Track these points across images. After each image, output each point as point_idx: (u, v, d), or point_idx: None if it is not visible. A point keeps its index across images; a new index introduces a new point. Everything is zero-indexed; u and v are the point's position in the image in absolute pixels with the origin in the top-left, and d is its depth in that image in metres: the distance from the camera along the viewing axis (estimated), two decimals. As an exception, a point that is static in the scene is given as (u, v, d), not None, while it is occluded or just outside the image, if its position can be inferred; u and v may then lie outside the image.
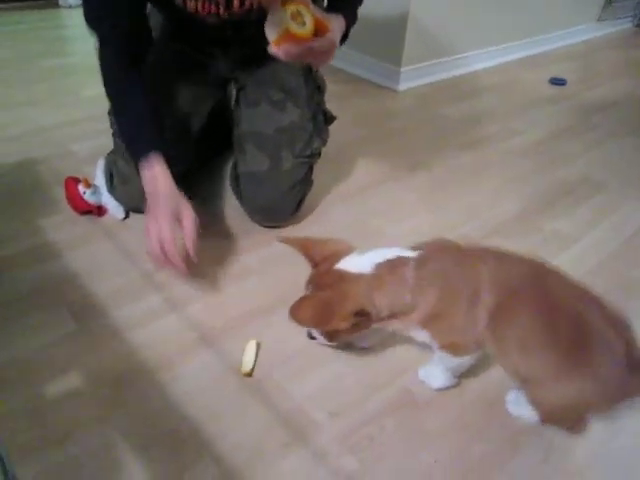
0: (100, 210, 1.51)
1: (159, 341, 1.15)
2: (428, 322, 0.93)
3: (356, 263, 0.93)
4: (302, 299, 0.90)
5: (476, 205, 1.71)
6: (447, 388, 1.08)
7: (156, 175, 1.17)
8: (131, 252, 1.40)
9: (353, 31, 1.31)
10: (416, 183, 1.81)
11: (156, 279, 1.31)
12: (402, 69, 2.56)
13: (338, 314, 0.88)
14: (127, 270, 1.34)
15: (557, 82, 2.80)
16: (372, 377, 1.10)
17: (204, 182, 1.71)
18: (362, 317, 0.90)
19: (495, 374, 1.11)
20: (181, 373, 1.08)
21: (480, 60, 2.95)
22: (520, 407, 1.01)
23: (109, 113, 1.46)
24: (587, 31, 3.73)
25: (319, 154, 1.52)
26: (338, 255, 0.95)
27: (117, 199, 1.48)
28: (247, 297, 1.28)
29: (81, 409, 1.00)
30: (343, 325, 0.89)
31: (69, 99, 2.28)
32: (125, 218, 1.51)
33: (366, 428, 1.00)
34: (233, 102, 1.59)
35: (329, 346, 1.11)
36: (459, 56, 2.82)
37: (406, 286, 0.90)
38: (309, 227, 1.55)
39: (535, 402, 0.96)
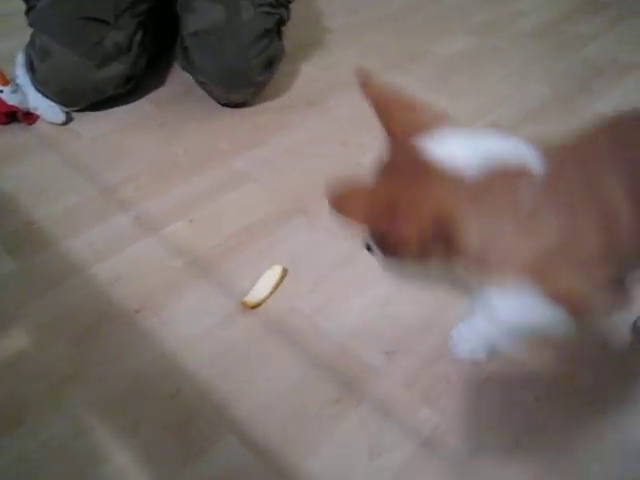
0: (28, 117, 1.21)
1: (136, 274, 0.87)
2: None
3: (455, 151, 0.55)
4: (356, 189, 0.56)
5: (499, 89, 1.45)
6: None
7: None
8: (83, 164, 1.11)
9: None
10: (421, 71, 1.53)
11: (122, 195, 1.01)
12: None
13: (408, 213, 0.55)
14: (81, 187, 1.05)
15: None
16: (428, 301, 0.83)
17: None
18: (441, 232, 0.51)
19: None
20: (172, 315, 0.81)
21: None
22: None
23: (26, 12, 1.23)
24: None
25: (286, 5, 1.28)
26: (429, 129, 0.59)
27: (41, 82, 1.19)
28: (244, 208, 1.01)
29: (35, 378, 0.71)
30: (413, 230, 0.55)
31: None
32: (67, 123, 1.21)
33: (436, 366, 0.74)
34: None
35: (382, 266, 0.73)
36: None
37: (515, 215, 0.52)
38: (301, 115, 1.27)
39: None
